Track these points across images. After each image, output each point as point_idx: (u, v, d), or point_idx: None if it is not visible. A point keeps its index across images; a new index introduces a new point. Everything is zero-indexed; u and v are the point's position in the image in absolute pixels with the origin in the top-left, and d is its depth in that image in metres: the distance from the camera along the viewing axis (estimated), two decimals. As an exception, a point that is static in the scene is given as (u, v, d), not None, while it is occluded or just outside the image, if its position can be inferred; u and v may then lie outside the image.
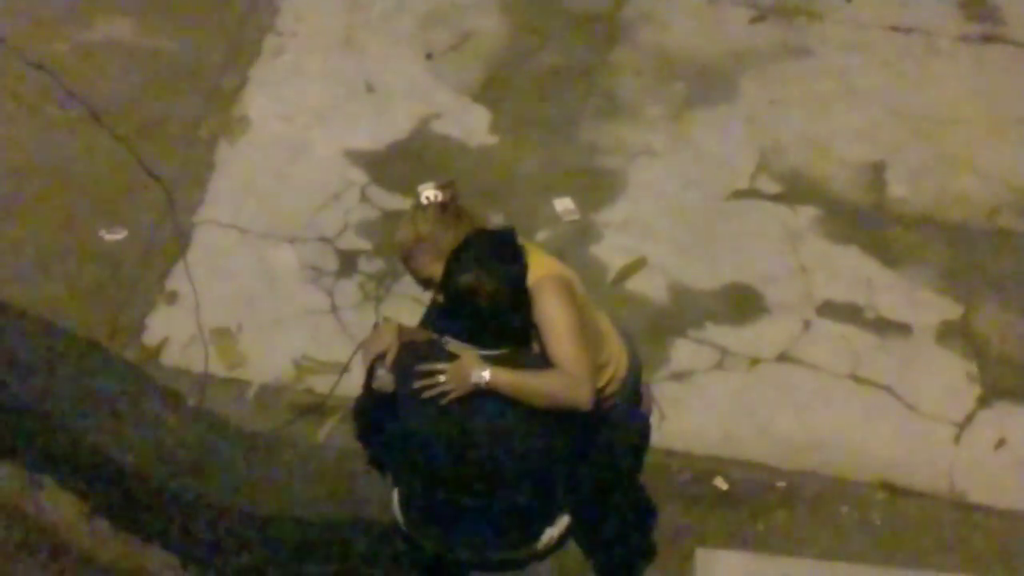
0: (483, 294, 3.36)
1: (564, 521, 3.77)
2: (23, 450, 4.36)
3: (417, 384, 3.45)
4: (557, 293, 3.56)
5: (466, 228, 3.63)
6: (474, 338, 3.45)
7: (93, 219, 5.47)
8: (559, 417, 3.47)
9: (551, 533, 3.75)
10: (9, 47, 6.04)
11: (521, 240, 3.54)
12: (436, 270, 3.59)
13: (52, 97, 5.89)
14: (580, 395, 3.47)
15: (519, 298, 3.45)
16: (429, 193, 3.73)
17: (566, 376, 3.47)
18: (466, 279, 3.37)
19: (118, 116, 5.82)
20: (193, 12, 6.35)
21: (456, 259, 3.43)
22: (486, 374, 3.41)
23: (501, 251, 3.45)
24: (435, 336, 3.54)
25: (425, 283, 3.72)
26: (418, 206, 3.72)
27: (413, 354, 3.51)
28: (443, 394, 3.43)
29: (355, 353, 3.76)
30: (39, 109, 5.88)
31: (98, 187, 5.60)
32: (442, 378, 3.43)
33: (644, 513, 4.30)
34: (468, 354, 3.45)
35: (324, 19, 6.40)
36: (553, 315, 3.53)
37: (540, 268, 3.57)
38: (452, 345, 3.47)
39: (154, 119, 5.86)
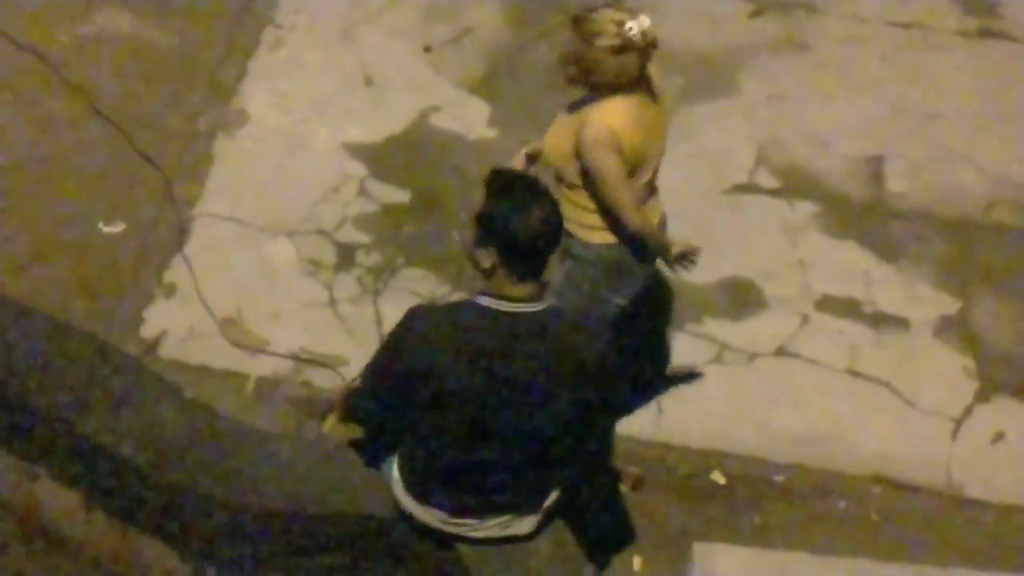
0: (543, 231, 3.39)
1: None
2: (20, 441, 4.36)
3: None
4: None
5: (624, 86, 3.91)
6: (526, 275, 3.44)
7: (91, 212, 5.46)
8: (593, 363, 3.48)
9: (553, 496, 3.76)
10: (8, 39, 6.03)
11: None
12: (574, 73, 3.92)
13: (51, 89, 5.88)
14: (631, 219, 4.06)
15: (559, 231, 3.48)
16: (642, 24, 3.82)
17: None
18: (538, 214, 3.38)
19: (116, 108, 5.81)
20: (191, 4, 6.34)
21: (500, 204, 3.44)
22: None
23: (534, 189, 3.49)
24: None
25: (576, 65, 3.90)
26: (621, 22, 3.81)
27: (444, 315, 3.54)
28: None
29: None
30: (37, 101, 5.86)
31: (96, 180, 5.59)
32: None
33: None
34: None
35: (323, 12, 6.39)
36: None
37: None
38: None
39: (152, 112, 5.86)
